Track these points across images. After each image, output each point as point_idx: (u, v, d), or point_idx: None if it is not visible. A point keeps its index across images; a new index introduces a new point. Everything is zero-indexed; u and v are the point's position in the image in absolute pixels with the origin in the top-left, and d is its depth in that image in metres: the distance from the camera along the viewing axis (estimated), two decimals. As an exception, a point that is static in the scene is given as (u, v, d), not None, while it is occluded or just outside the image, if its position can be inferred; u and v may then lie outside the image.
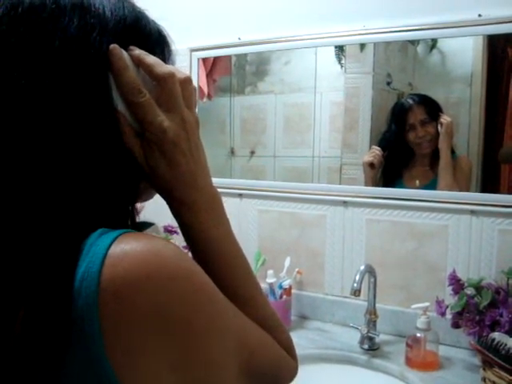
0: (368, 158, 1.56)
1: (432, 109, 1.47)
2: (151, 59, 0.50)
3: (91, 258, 0.40)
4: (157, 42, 0.55)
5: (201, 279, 0.46)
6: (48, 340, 0.39)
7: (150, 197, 0.57)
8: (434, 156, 1.48)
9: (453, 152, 1.46)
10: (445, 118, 1.44)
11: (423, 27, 1.42)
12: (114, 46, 0.47)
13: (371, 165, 1.56)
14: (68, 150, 0.44)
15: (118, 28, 0.49)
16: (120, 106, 0.48)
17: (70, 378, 0.40)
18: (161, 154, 0.50)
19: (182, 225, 0.54)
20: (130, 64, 0.49)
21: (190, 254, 0.53)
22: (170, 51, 0.57)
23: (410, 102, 1.51)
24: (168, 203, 0.54)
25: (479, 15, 1.34)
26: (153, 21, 0.55)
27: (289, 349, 0.58)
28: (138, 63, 0.49)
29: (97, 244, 0.41)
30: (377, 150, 1.55)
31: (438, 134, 1.46)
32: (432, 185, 1.49)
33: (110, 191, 0.48)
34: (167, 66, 0.51)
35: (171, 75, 0.50)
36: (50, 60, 0.44)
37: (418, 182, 1.53)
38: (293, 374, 0.59)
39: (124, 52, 0.48)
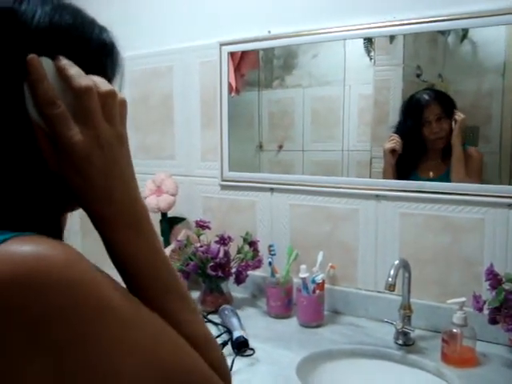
0: (390, 144, 1.57)
1: (447, 106, 1.48)
2: (72, 71, 0.49)
3: None
4: (97, 51, 0.54)
5: (90, 290, 0.44)
6: None
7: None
8: (446, 150, 1.51)
9: (463, 144, 1.47)
10: (459, 115, 1.46)
11: (454, 17, 1.38)
12: (31, 57, 0.47)
13: (393, 151, 1.57)
14: None
15: (46, 36, 0.49)
16: (36, 117, 0.48)
17: None
18: (72, 166, 0.49)
19: (102, 239, 0.53)
20: (52, 74, 0.48)
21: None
22: (115, 61, 0.57)
23: (427, 97, 1.52)
24: (88, 216, 0.52)
25: (513, 2, 1.30)
26: (101, 29, 0.55)
27: (217, 368, 0.55)
28: (59, 74, 0.49)
29: None
30: (396, 137, 1.57)
31: (451, 129, 1.48)
32: (446, 176, 1.51)
33: (25, 198, 0.48)
34: (89, 78, 0.50)
35: (88, 89, 0.49)
36: None
37: (431, 173, 1.54)
38: None
39: (46, 62, 0.48)
